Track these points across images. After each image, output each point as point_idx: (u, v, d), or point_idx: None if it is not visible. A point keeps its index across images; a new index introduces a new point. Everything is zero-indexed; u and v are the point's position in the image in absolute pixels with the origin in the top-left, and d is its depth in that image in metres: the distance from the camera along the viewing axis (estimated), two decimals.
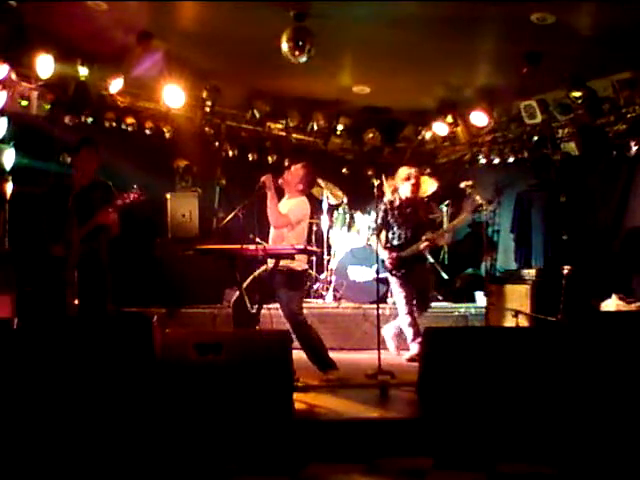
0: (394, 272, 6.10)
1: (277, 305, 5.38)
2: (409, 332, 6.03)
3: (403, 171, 6.24)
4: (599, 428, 3.48)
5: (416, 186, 6.18)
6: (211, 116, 8.15)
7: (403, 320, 6.10)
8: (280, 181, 5.06)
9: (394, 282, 6.19)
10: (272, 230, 5.09)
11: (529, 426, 3.56)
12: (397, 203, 6.22)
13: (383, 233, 6.17)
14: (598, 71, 6.84)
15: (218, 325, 6.67)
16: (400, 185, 6.22)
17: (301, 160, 5.47)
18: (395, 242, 6.18)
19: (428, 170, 9.32)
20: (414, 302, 6.11)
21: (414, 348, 5.94)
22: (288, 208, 5.03)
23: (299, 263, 4.96)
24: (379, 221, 6.07)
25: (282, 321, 5.77)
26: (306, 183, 5.19)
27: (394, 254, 6.08)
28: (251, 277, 4.98)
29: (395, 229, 6.19)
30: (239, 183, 7.30)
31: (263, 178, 4.93)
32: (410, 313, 6.05)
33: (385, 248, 6.11)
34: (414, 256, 6.13)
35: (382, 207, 6.10)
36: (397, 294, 6.18)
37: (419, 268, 6.21)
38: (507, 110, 8.16)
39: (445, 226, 7.07)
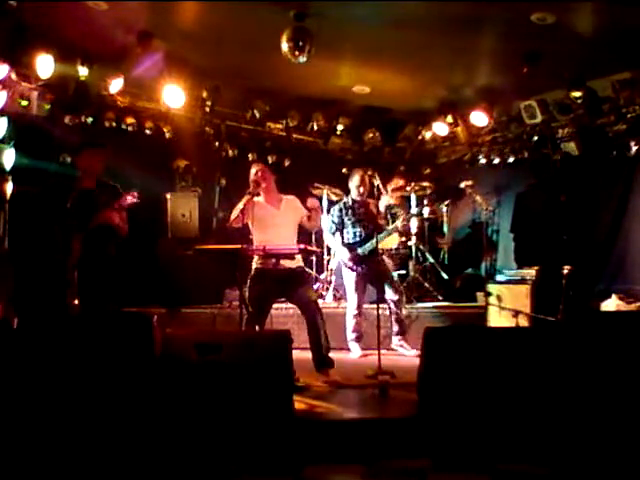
0: (355, 268, 6.32)
1: (277, 305, 5.38)
2: (351, 335, 6.36)
3: (353, 172, 6.63)
4: (599, 428, 3.48)
5: (364, 187, 6.46)
6: (211, 116, 8.15)
7: (349, 321, 6.39)
8: (261, 187, 5.07)
9: (351, 279, 6.42)
10: (276, 233, 5.05)
11: (529, 426, 3.56)
12: (350, 204, 6.54)
13: (338, 233, 6.51)
14: (598, 71, 6.85)
15: (218, 325, 6.67)
16: (351, 187, 6.56)
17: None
18: (351, 240, 6.48)
19: (428, 170, 9.37)
20: (363, 305, 6.44)
21: (355, 348, 6.33)
22: (301, 208, 5.13)
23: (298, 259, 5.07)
24: (336, 220, 6.49)
25: (282, 321, 5.79)
26: (273, 172, 5.32)
27: (354, 251, 6.38)
28: (250, 282, 4.97)
29: (350, 228, 6.48)
30: (239, 183, 7.29)
31: (255, 177, 5.05)
32: (358, 315, 6.34)
33: (344, 246, 6.44)
34: (370, 251, 6.37)
35: (337, 208, 6.58)
36: (351, 291, 6.43)
37: (376, 262, 6.42)
38: (507, 110, 8.16)
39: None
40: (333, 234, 6.51)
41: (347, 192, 6.70)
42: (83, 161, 5.14)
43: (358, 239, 6.45)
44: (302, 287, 5.05)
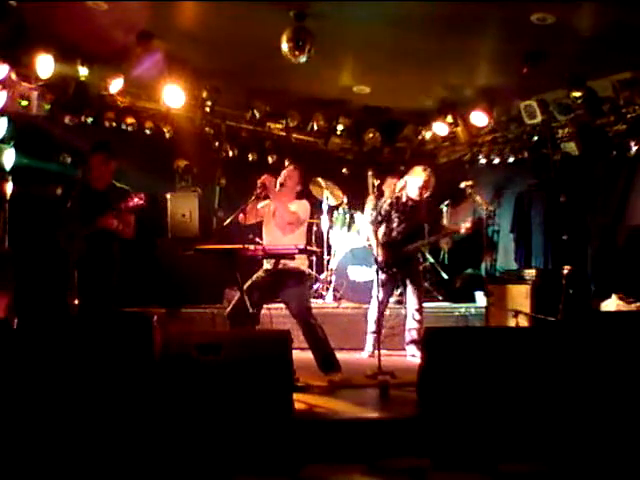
0: (385, 269, 6.10)
1: (277, 305, 5.37)
2: (372, 325, 6.25)
3: (417, 171, 6.29)
4: (599, 427, 3.48)
5: (425, 188, 6.24)
6: (211, 116, 8.15)
7: (372, 313, 6.27)
8: (277, 187, 4.98)
9: (378, 280, 6.18)
10: (269, 230, 5.07)
11: (529, 426, 3.56)
12: (403, 199, 6.30)
13: (381, 228, 6.25)
14: (598, 71, 6.85)
15: (218, 325, 6.66)
16: (410, 183, 6.28)
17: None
18: (392, 236, 6.25)
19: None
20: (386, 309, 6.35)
21: (370, 340, 6.26)
22: (295, 207, 5.02)
23: (302, 261, 4.98)
24: (382, 213, 6.21)
25: (282, 321, 5.77)
26: (302, 183, 5.22)
27: (388, 251, 6.10)
28: (252, 279, 4.95)
29: (395, 225, 6.26)
30: (239, 183, 7.31)
31: (262, 179, 4.92)
32: (378, 320, 6.10)
33: (380, 245, 6.12)
34: (407, 256, 6.22)
35: (387, 201, 6.27)
36: (376, 288, 6.18)
37: (409, 268, 6.29)
38: (507, 110, 8.16)
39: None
40: (377, 225, 6.21)
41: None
42: (96, 164, 5.14)
43: (400, 237, 6.23)
44: (294, 289, 4.96)
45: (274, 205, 5.00)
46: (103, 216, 4.90)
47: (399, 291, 6.82)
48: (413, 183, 6.25)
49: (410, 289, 6.26)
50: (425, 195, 6.29)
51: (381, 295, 6.11)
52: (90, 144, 5.44)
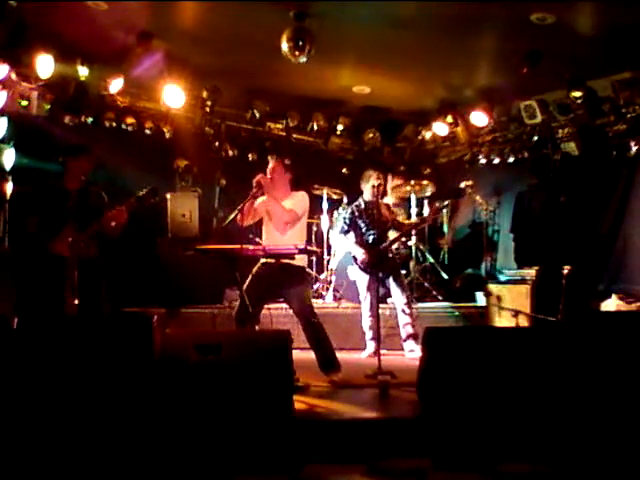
0: (368, 270, 6.23)
1: (277, 305, 5.37)
2: (369, 333, 6.37)
3: (366, 174, 6.55)
4: (599, 428, 3.48)
5: (377, 188, 6.30)
6: (211, 116, 8.15)
7: (365, 321, 6.41)
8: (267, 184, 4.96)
9: (363, 279, 6.40)
10: (268, 230, 5.06)
11: (529, 426, 3.56)
12: (362, 206, 6.48)
13: (351, 235, 6.43)
14: (598, 71, 6.85)
15: (218, 325, 6.67)
16: (364, 188, 6.53)
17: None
18: (364, 243, 6.38)
19: (428, 170, 9.38)
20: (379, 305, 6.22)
21: (371, 346, 6.30)
22: (291, 203, 5.00)
23: (301, 258, 4.94)
24: (348, 222, 6.44)
25: (282, 321, 5.78)
26: (290, 171, 5.18)
27: (368, 251, 6.23)
28: (250, 276, 4.94)
29: (364, 230, 6.41)
30: (239, 183, 7.30)
31: (257, 178, 4.91)
32: (373, 316, 6.14)
33: (359, 245, 6.34)
34: (383, 255, 6.31)
35: (349, 210, 6.54)
36: (363, 292, 6.44)
37: (388, 265, 6.40)
38: (507, 110, 8.17)
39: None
40: (345, 233, 6.44)
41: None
42: (74, 166, 5.12)
43: (371, 242, 6.33)
44: (295, 287, 4.94)
45: (270, 205, 5.00)
46: (111, 213, 4.88)
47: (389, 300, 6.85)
48: (366, 186, 6.47)
49: (394, 286, 6.37)
50: (379, 193, 6.35)
51: (369, 299, 6.31)
52: (81, 145, 5.41)
